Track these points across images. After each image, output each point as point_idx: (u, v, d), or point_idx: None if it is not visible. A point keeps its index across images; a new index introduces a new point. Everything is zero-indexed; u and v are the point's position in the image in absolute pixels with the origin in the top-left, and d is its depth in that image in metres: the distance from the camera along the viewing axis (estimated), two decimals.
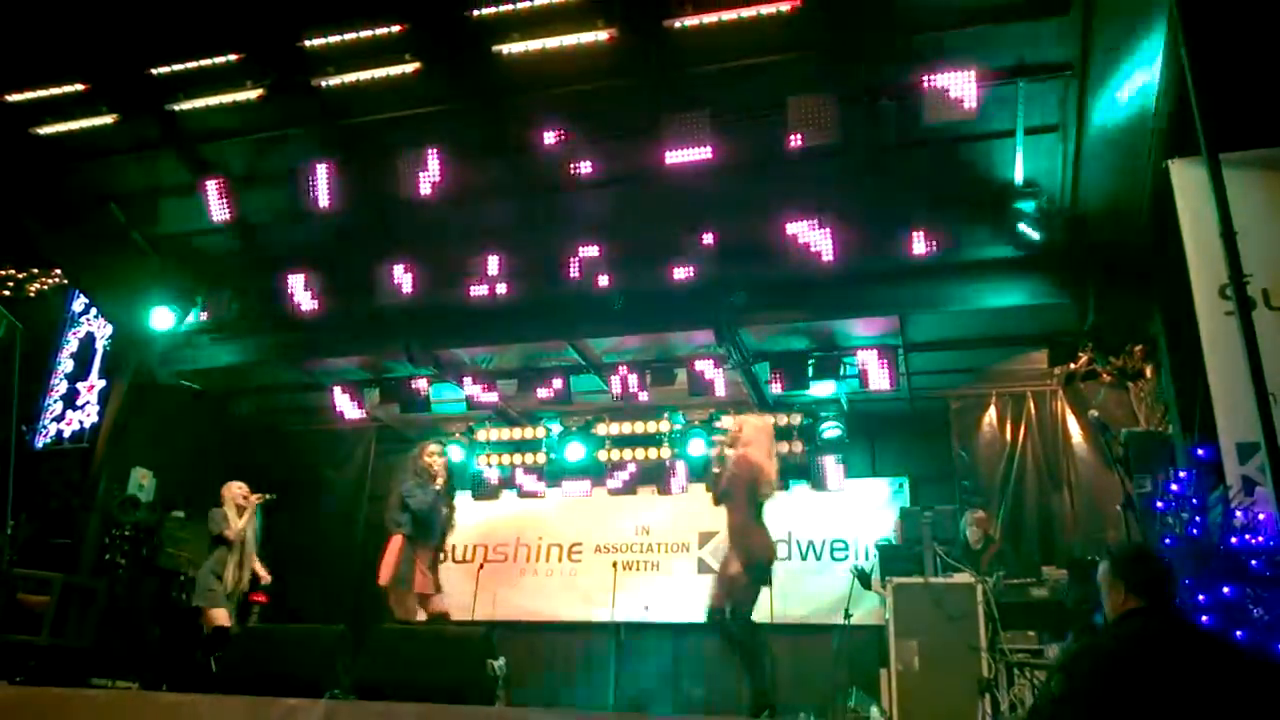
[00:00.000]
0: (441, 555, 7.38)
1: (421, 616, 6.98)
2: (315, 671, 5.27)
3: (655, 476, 10.28)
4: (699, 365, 8.94)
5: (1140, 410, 7.96)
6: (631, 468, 10.35)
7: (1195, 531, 5.36)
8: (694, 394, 9.13)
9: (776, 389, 9.01)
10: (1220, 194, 4.73)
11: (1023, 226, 7.11)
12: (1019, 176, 7.19)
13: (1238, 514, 5.26)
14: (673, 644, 9.91)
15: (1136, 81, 6.10)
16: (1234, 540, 5.11)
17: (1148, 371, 7.78)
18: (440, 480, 7.09)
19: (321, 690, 5.00)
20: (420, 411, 9.93)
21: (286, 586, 10.56)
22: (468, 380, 9.55)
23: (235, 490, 7.54)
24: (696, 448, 9.88)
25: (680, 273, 7.95)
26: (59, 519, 9.14)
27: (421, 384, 9.64)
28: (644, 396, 9.28)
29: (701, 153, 7.14)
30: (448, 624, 6.92)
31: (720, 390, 9.10)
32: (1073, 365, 8.44)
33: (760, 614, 9.29)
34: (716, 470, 6.30)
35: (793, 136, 6.91)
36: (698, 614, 9.91)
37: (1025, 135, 6.96)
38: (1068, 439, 9.11)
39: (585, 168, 7.55)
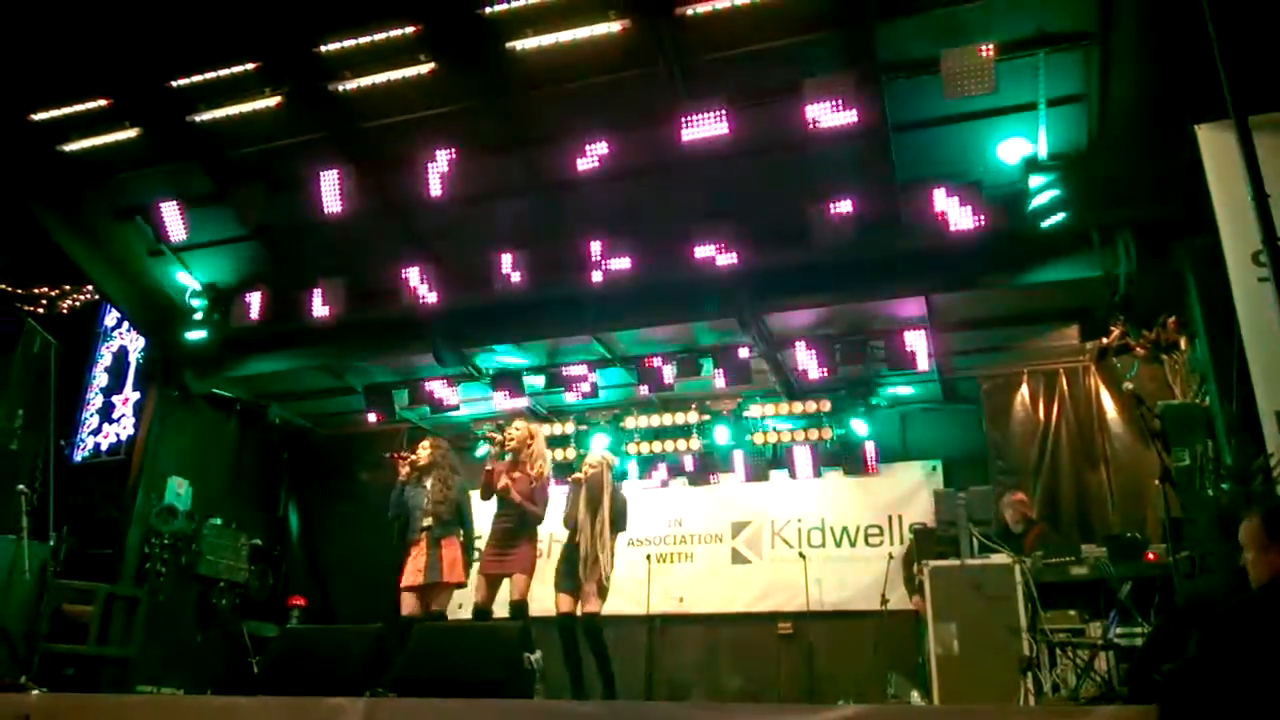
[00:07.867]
0: None
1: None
2: (355, 670, 5.30)
3: (685, 468, 10.25)
4: (724, 355, 8.92)
5: (1175, 383, 7.80)
6: (662, 462, 10.32)
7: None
8: (723, 384, 9.11)
9: (802, 375, 8.97)
10: (1250, 158, 4.63)
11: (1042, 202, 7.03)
12: (1043, 150, 7.11)
13: None
14: (707, 634, 9.90)
15: (1159, 45, 5.99)
16: None
17: (1182, 343, 7.62)
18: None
19: (362, 689, 5.03)
20: (450, 411, 10.00)
21: (325, 588, 10.73)
22: (495, 378, 9.59)
23: None
24: (723, 437, 9.91)
25: (702, 262, 7.89)
26: (99, 530, 9.26)
27: (450, 384, 9.75)
28: (671, 388, 9.28)
29: (719, 139, 7.11)
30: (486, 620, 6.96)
31: (747, 379, 9.08)
32: (1105, 340, 8.28)
33: (797, 602, 9.39)
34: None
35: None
36: (732, 604, 9.95)
37: (1048, 107, 6.87)
38: (1102, 415, 8.96)
39: (603, 160, 7.53)
